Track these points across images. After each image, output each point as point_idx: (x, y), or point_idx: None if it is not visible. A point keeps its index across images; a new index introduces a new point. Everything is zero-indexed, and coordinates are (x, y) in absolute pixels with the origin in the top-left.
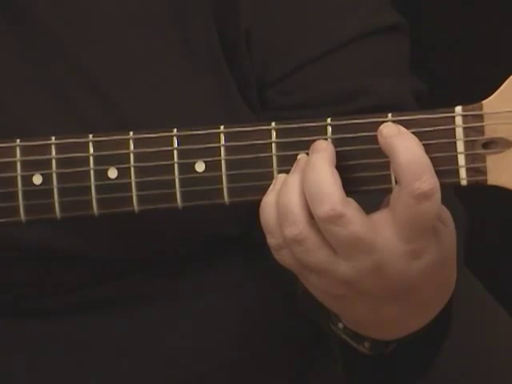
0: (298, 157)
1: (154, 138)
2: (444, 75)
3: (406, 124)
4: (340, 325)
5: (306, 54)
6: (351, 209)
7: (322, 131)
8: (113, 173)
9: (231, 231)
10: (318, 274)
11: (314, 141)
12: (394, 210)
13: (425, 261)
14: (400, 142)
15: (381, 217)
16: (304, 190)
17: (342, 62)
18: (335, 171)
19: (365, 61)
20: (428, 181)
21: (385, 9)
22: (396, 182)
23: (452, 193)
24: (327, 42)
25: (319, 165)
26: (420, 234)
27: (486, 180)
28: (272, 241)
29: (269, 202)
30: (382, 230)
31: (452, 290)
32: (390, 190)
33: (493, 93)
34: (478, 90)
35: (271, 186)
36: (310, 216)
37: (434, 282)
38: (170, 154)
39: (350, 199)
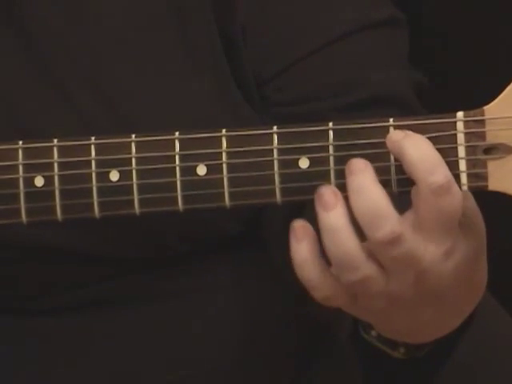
0: (319, 192)
1: (156, 141)
2: (444, 76)
3: (408, 129)
4: (373, 333)
5: (303, 48)
6: (406, 226)
7: (323, 136)
8: (114, 175)
9: (231, 230)
10: (365, 298)
11: (315, 145)
12: (418, 213)
13: (457, 258)
14: (408, 142)
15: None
16: (357, 218)
17: (339, 55)
18: (384, 190)
19: (362, 54)
20: (443, 174)
21: (382, 2)
22: (398, 186)
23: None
24: (324, 36)
25: (367, 188)
26: (448, 231)
27: (487, 186)
28: (319, 294)
29: (304, 259)
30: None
31: (484, 287)
32: (391, 195)
33: (494, 97)
34: (478, 89)
35: (293, 240)
36: (368, 252)
37: (466, 280)
38: (171, 158)
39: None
